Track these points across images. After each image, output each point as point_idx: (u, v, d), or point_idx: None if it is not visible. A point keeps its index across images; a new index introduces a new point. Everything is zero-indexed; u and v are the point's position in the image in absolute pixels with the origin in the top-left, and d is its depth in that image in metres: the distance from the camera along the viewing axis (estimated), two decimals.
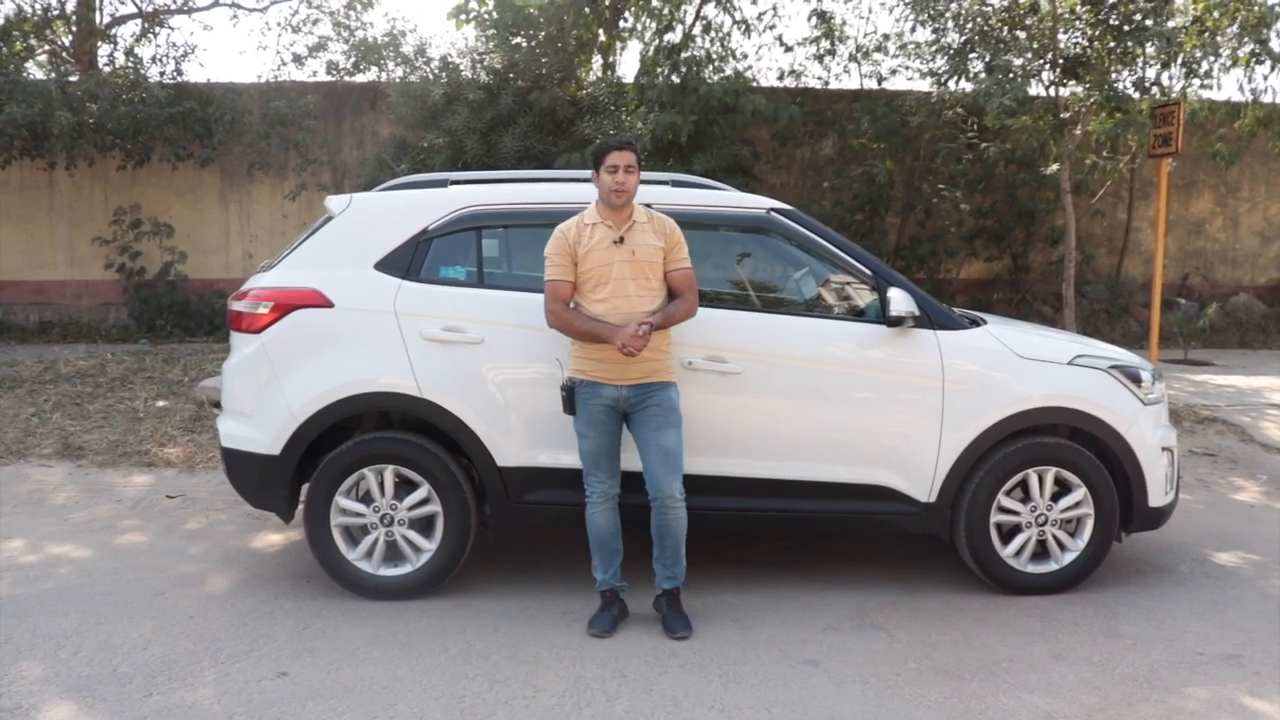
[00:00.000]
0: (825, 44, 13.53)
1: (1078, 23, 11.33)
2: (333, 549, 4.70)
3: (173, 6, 16.09)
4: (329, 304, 4.71)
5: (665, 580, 4.45)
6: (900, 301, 4.61)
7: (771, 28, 13.43)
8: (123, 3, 15.54)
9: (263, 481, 4.77)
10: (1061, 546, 4.86)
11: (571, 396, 4.33)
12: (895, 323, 4.63)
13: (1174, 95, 11.36)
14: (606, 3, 12.79)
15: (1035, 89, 11.60)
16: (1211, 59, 11.16)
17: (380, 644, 4.23)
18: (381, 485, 4.70)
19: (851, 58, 13.90)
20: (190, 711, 3.64)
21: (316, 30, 16.28)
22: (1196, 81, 11.54)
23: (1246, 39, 11.24)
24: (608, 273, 4.24)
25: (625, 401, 4.28)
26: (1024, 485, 4.81)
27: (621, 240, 4.27)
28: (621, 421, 4.35)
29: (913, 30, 12.55)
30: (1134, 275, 14.88)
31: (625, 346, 4.11)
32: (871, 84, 14.19)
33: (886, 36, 13.48)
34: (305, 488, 4.80)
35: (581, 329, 4.27)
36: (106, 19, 15.34)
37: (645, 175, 5.02)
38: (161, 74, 14.27)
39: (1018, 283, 14.67)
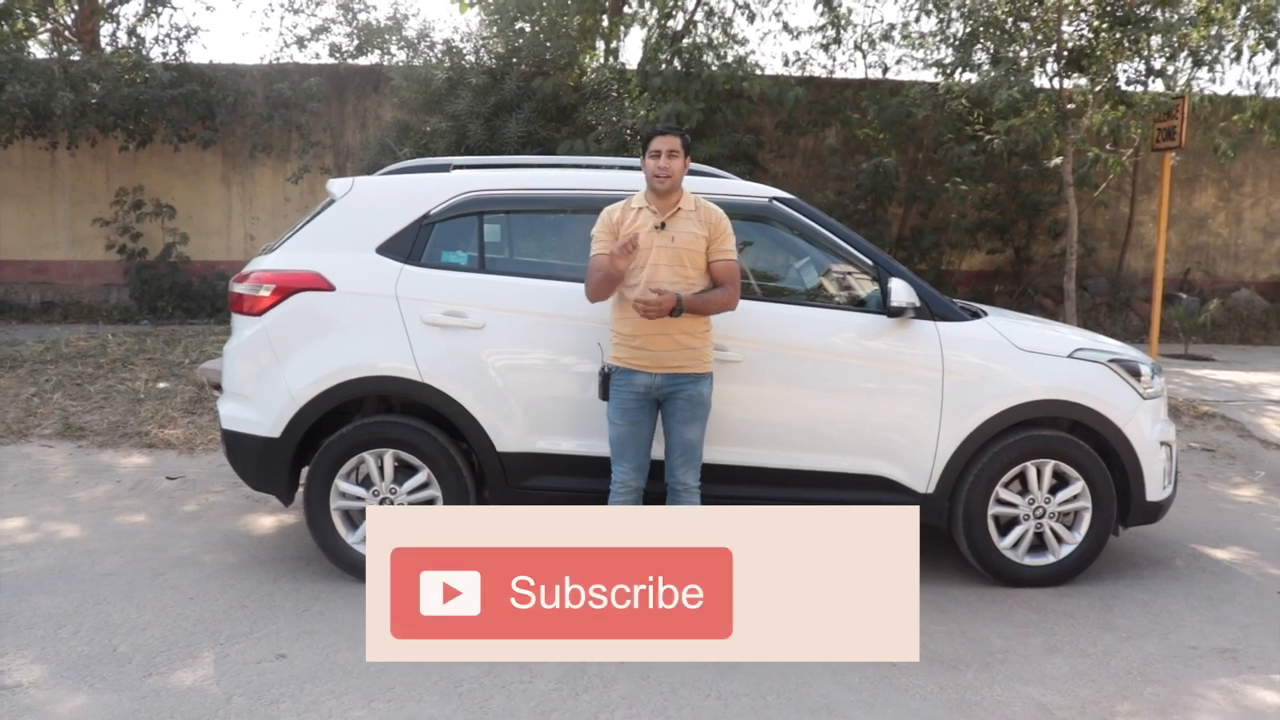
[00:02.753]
0: (831, 32, 13.48)
1: (1082, 14, 11.30)
2: (332, 532, 4.72)
3: None
4: (330, 287, 4.71)
5: None
6: (901, 292, 4.61)
7: (777, 14, 13.32)
8: None
9: (263, 464, 4.78)
10: (1059, 539, 4.87)
11: (607, 382, 4.34)
12: (896, 313, 4.64)
13: (1179, 88, 11.33)
14: None
15: (1039, 80, 11.58)
16: (1216, 50, 11.12)
17: None
18: (381, 469, 4.71)
19: (857, 46, 13.85)
20: (189, 692, 3.66)
21: (319, 12, 16.24)
22: (1203, 73, 11.52)
23: (1251, 28, 11.21)
24: (645, 257, 4.23)
25: (658, 390, 4.27)
26: (1022, 478, 4.82)
27: (663, 226, 4.26)
28: (655, 411, 4.34)
29: (918, 20, 12.51)
30: (1136, 269, 14.88)
31: (639, 304, 4.10)
32: (876, 73, 14.16)
33: (892, 26, 13.43)
34: (305, 470, 4.82)
35: (594, 276, 4.25)
36: None
37: None
38: (164, 55, 14.24)
39: (1019, 275, 14.66)
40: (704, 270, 4.32)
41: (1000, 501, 4.80)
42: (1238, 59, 11.53)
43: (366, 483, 4.73)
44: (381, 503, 4.69)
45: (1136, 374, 4.90)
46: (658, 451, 4.45)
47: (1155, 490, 4.89)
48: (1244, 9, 11.18)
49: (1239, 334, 14.29)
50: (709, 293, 4.29)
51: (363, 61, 15.25)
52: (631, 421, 4.31)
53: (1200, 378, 10.42)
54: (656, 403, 4.33)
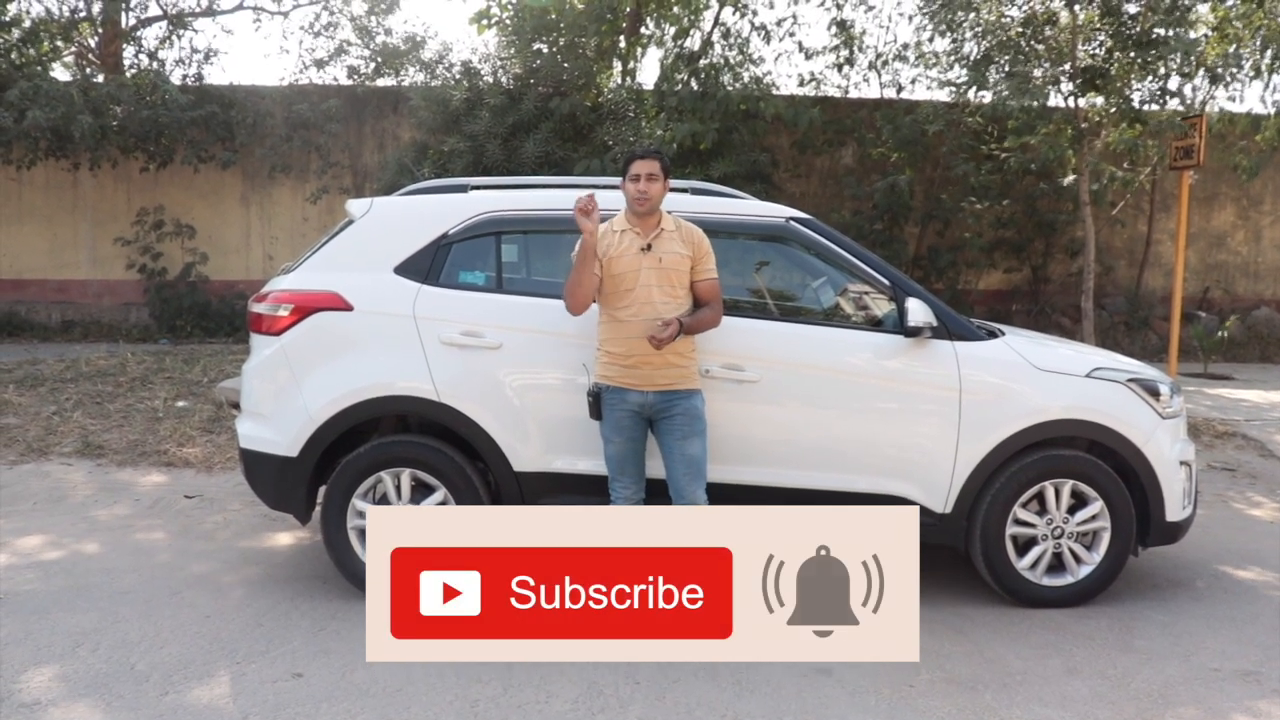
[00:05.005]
0: (844, 53, 13.52)
1: (1098, 35, 11.30)
2: (349, 551, 4.72)
3: (197, 9, 16.24)
4: (348, 307, 4.74)
5: None
6: (918, 312, 4.61)
7: (791, 34, 13.38)
8: (147, 5, 15.60)
9: (280, 483, 4.80)
10: (1077, 559, 4.84)
11: (598, 402, 4.36)
12: (913, 333, 4.63)
13: (1196, 107, 11.30)
14: (626, 9, 12.82)
15: (1054, 99, 11.58)
16: (1234, 70, 11.10)
17: None
18: (398, 488, 4.72)
19: (871, 66, 13.89)
20: (206, 711, 3.67)
21: (338, 35, 16.41)
22: (1220, 92, 11.50)
23: (1269, 48, 11.19)
24: (634, 279, 4.28)
25: (651, 408, 4.30)
26: (1040, 498, 4.79)
27: (649, 248, 4.30)
28: (647, 428, 4.37)
29: (931, 40, 12.54)
30: (1154, 288, 14.81)
31: (653, 339, 4.11)
32: (891, 93, 14.19)
33: (906, 46, 13.47)
34: (322, 490, 4.83)
35: (574, 271, 4.25)
36: (132, 21, 15.48)
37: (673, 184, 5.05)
38: (185, 77, 14.39)
39: (1037, 294, 14.61)
40: (689, 289, 4.37)
41: (1018, 522, 4.77)
42: (1257, 76, 11.50)
43: (383, 502, 4.74)
44: None
45: (1155, 393, 4.87)
46: (654, 470, 4.45)
47: (1175, 510, 4.86)
48: (1260, 32, 11.16)
49: (1259, 352, 14.21)
50: (700, 313, 4.35)
51: (381, 83, 15.38)
52: (629, 438, 4.35)
53: (1220, 397, 10.36)
54: (648, 421, 4.36)
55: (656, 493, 4.44)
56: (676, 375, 4.30)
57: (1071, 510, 4.81)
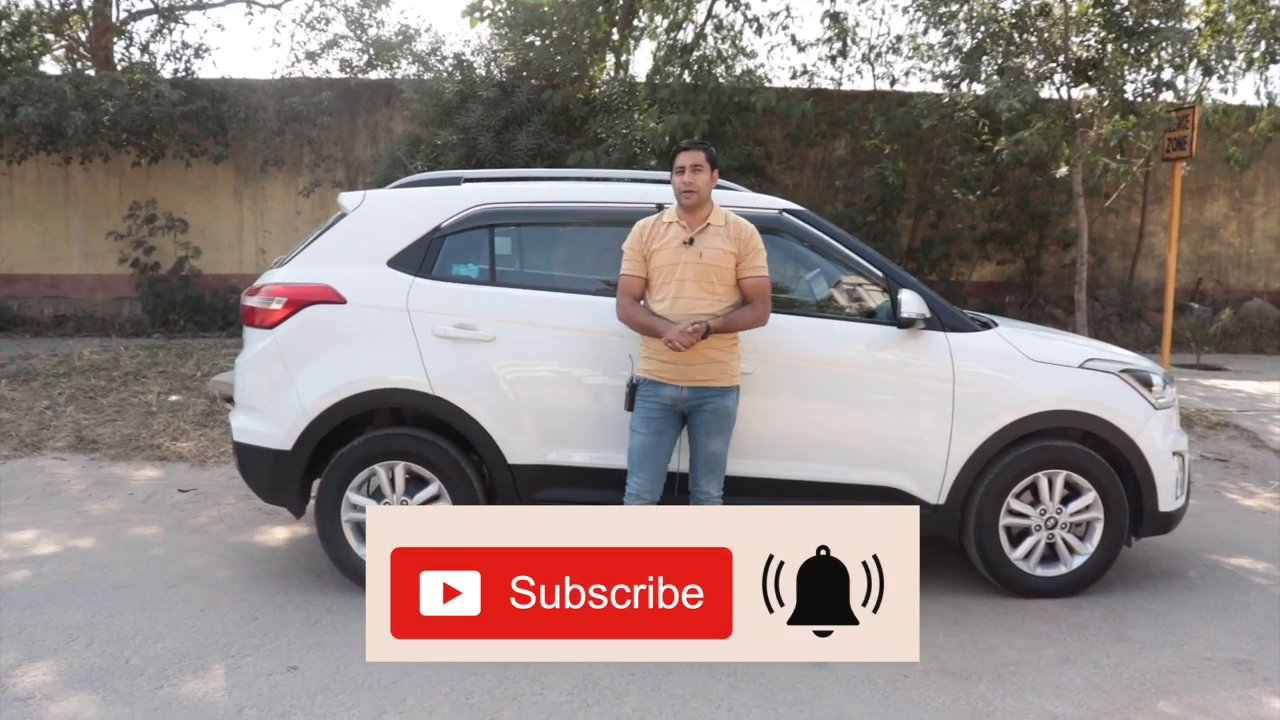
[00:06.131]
0: (838, 45, 13.52)
1: (1090, 26, 11.30)
2: (343, 544, 4.72)
3: (188, 2, 16.17)
4: (342, 300, 4.73)
5: None
6: (911, 303, 4.61)
7: (785, 27, 13.40)
8: None
9: (274, 476, 4.79)
10: (1071, 550, 4.85)
11: (634, 393, 4.35)
12: (906, 324, 4.63)
13: (1189, 98, 11.31)
14: (619, 2, 12.80)
15: (1047, 91, 11.58)
16: (1227, 61, 11.11)
17: None
18: (392, 481, 4.72)
19: (864, 58, 13.88)
20: (200, 704, 3.67)
21: (330, 28, 16.35)
22: (1213, 84, 11.51)
23: (1262, 40, 11.20)
24: (672, 272, 4.26)
25: (684, 403, 4.28)
26: (1034, 488, 4.81)
27: (691, 241, 4.27)
28: (679, 425, 4.35)
29: (925, 32, 12.53)
30: (1147, 279, 14.84)
31: (671, 342, 4.12)
32: (884, 85, 14.18)
33: (899, 38, 13.47)
34: (317, 483, 4.83)
35: (640, 322, 4.29)
36: (123, 14, 15.42)
37: (658, 176, 5.06)
38: (176, 71, 14.33)
39: (1030, 286, 14.63)
40: (733, 286, 4.32)
41: (1012, 512, 4.79)
42: (1250, 68, 11.52)
43: (378, 495, 4.74)
44: None
45: (1148, 384, 4.89)
46: (675, 464, 4.45)
47: (1168, 500, 4.87)
48: (1253, 24, 11.17)
49: (1251, 343, 14.24)
50: (737, 312, 4.29)
51: (373, 76, 15.33)
52: (655, 431, 4.31)
53: (1213, 388, 10.38)
54: (681, 416, 4.34)
55: (669, 486, 4.45)
56: (715, 371, 4.28)
57: (1065, 501, 4.82)
